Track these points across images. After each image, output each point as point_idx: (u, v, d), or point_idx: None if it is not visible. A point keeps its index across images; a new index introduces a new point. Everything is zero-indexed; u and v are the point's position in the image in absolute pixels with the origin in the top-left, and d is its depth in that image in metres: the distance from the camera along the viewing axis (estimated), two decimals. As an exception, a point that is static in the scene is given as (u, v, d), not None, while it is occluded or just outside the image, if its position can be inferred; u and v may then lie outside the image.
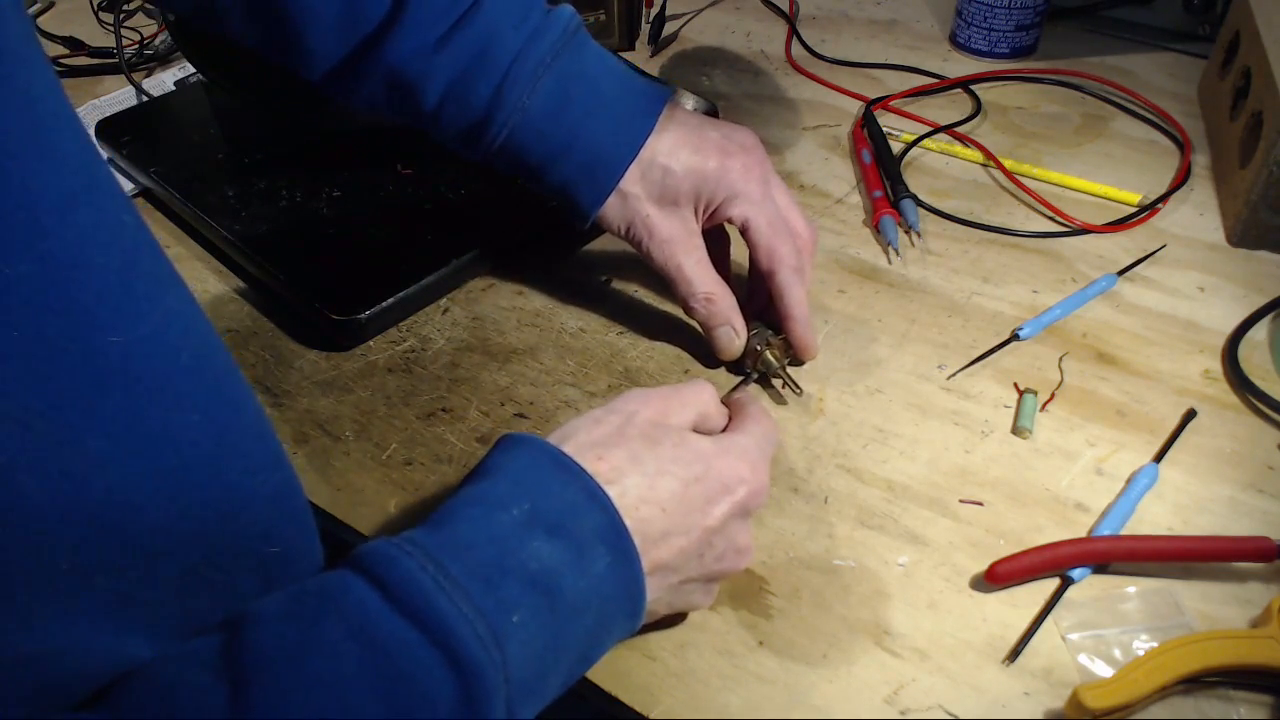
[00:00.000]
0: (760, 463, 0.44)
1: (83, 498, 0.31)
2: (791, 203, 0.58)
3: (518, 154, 0.55)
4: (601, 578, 0.38)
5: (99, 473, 0.31)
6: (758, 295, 0.60)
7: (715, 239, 0.60)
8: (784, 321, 0.57)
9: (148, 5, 0.96)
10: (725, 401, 0.48)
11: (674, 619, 0.47)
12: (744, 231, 0.56)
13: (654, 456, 0.41)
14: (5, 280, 0.28)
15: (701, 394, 0.46)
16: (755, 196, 0.55)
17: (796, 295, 0.56)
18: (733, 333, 0.57)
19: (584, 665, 0.40)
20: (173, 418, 0.33)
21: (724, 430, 0.47)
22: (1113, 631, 0.46)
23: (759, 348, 0.57)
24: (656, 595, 0.41)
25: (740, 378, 0.59)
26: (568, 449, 0.41)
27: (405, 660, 0.33)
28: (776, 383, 0.58)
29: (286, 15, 0.53)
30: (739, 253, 0.61)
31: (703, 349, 0.60)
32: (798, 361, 0.59)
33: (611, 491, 0.40)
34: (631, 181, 0.55)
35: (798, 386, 0.57)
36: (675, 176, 0.55)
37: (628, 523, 0.39)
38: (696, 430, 0.45)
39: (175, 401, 0.34)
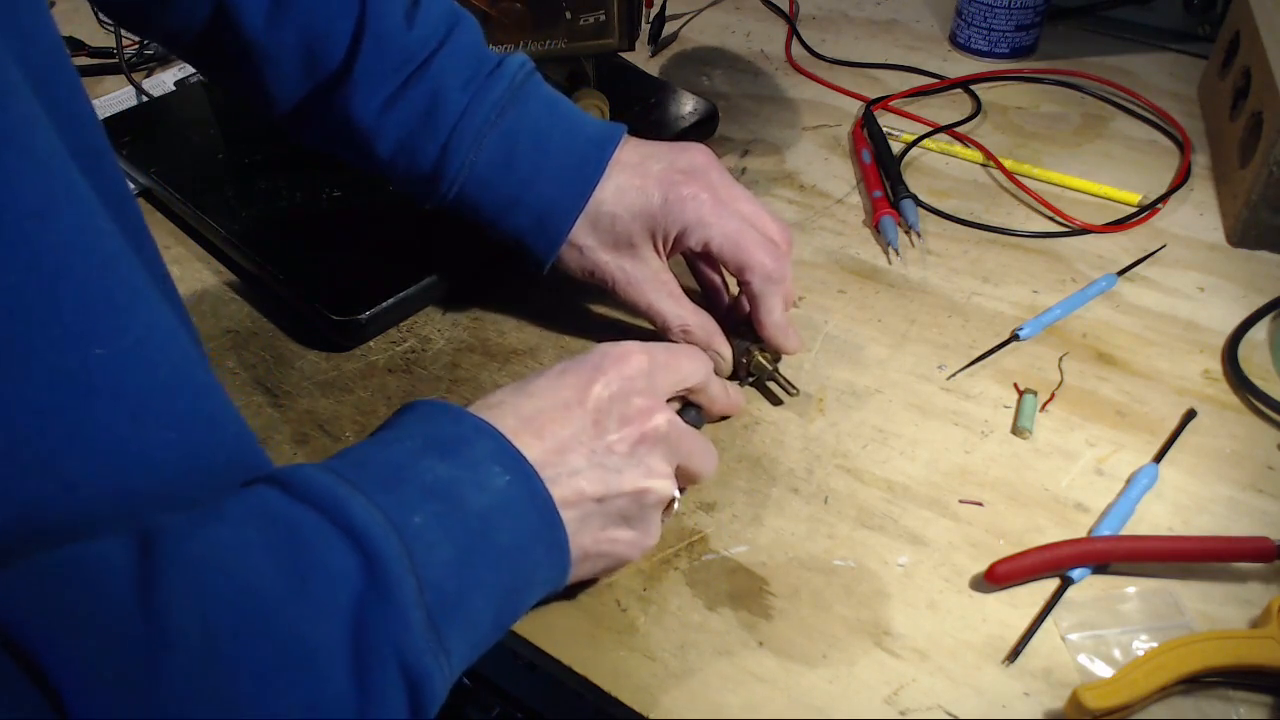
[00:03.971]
0: (634, 349, 0.45)
1: (42, 519, 0.30)
2: (758, 209, 0.57)
3: (470, 207, 0.56)
4: (503, 492, 0.39)
5: (67, 496, 0.31)
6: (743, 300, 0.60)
7: (692, 256, 0.60)
8: (758, 329, 0.57)
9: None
10: None
11: (646, 527, 0.45)
12: (709, 256, 0.56)
13: (525, 381, 0.44)
14: None
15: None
16: (708, 219, 0.54)
17: (768, 303, 0.56)
18: (717, 355, 0.58)
19: (514, 601, 0.40)
20: (150, 435, 0.33)
21: None
22: (1113, 632, 0.46)
23: (745, 360, 0.58)
24: (578, 468, 0.42)
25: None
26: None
27: (305, 535, 0.33)
28: (772, 385, 0.58)
29: (250, 61, 0.54)
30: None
31: (703, 349, 0.60)
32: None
33: (493, 409, 0.42)
34: (583, 234, 0.56)
35: (793, 386, 0.57)
36: (624, 222, 0.55)
37: (507, 421, 0.41)
38: None
39: (155, 418, 0.33)
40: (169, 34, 0.56)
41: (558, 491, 0.41)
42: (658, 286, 0.56)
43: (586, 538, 0.43)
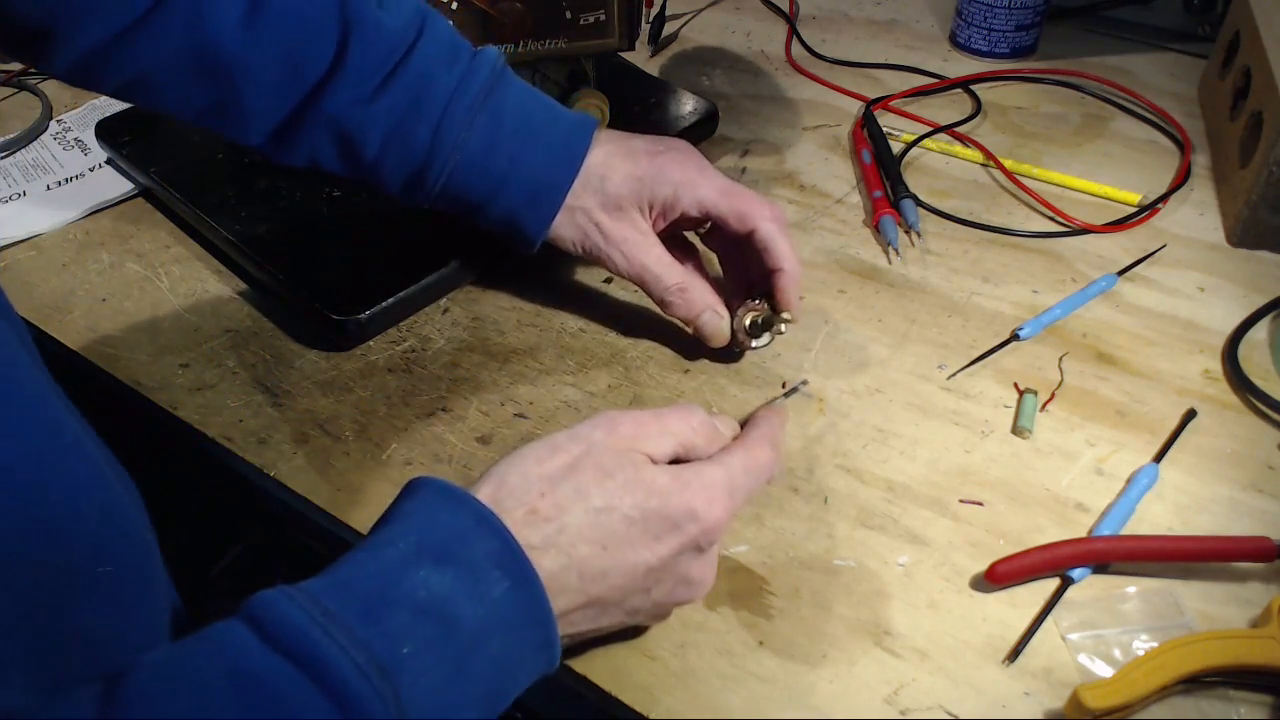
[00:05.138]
0: (721, 497, 0.42)
1: None
2: (743, 189, 0.57)
3: (460, 192, 0.56)
4: (500, 602, 0.37)
5: None
6: (733, 281, 0.61)
7: (683, 251, 0.60)
8: (773, 274, 0.56)
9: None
10: (752, 415, 0.48)
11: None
12: (706, 215, 0.57)
13: (602, 490, 0.40)
14: None
15: (688, 419, 0.44)
16: (697, 180, 0.56)
17: (782, 246, 0.56)
18: (716, 315, 0.58)
19: (499, 701, 0.38)
20: None
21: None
22: (1113, 631, 0.46)
23: (742, 312, 0.58)
24: (599, 625, 0.42)
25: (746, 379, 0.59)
26: (512, 479, 0.40)
27: (279, 692, 0.32)
28: (768, 334, 0.58)
29: (229, 81, 0.53)
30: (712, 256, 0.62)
31: (702, 349, 0.60)
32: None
33: (549, 529, 0.39)
34: (576, 196, 0.56)
35: (788, 315, 0.57)
36: (614, 183, 0.56)
37: (561, 560, 0.39)
38: (678, 459, 0.43)
39: None
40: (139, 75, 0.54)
41: (584, 595, 0.40)
42: (649, 248, 0.57)
43: (586, 627, 0.42)
